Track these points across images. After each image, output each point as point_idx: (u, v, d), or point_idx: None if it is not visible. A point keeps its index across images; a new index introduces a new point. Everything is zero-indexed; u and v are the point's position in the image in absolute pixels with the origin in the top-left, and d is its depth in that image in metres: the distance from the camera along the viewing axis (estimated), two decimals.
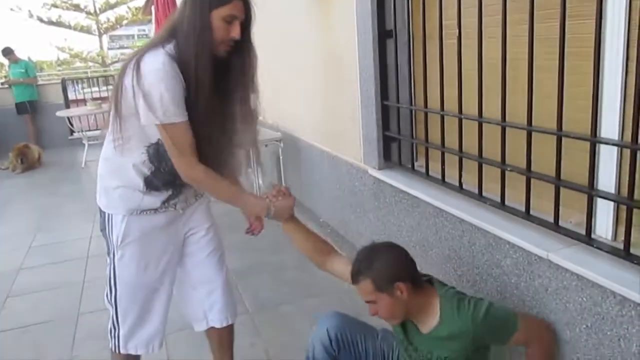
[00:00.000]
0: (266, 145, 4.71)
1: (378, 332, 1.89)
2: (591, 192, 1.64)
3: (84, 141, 7.34)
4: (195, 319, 2.00)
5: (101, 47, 26.34)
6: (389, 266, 1.61)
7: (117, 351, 1.82)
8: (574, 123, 1.69)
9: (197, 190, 1.83)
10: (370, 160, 2.93)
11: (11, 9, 31.80)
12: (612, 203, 1.63)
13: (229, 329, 2.03)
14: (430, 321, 1.65)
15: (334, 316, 1.85)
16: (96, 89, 9.85)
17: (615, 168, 1.61)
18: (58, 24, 23.84)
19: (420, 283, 1.66)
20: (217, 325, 1.98)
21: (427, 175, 2.49)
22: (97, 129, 7.84)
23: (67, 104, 8.95)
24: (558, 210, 1.76)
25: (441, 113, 2.32)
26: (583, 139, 1.64)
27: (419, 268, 1.71)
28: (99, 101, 7.88)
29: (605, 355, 1.56)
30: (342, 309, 1.94)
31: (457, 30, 2.12)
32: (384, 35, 2.68)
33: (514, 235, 1.84)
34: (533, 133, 1.82)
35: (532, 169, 1.85)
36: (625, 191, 1.53)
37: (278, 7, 4.12)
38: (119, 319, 1.79)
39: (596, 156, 1.62)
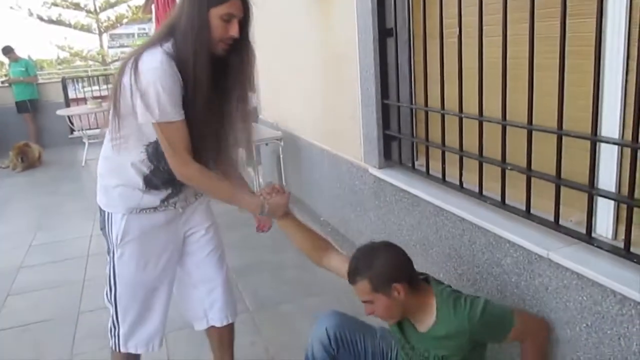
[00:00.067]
0: (267, 144, 4.71)
1: (377, 331, 1.89)
2: (591, 191, 1.64)
3: (84, 140, 7.35)
4: (196, 317, 2.00)
5: (101, 46, 26.30)
6: (387, 267, 1.60)
7: (117, 350, 1.82)
8: (575, 122, 1.69)
9: (197, 190, 1.83)
10: (371, 159, 2.93)
11: (11, 8, 31.72)
12: (612, 202, 1.63)
13: (229, 328, 2.03)
14: (427, 320, 1.65)
15: (332, 315, 1.84)
16: (96, 87, 9.86)
17: (616, 167, 1.61)
18: (58, 22, 23.80)
19: (417, 283, 1.66)
20: (218, 324, 1.98)
21: (427, 174, 2.49)
22: (97, 128, 7.86)
23: (68, 102, 8.95)
24: (558, 209, 1.76)
25: (441, 112, 2.31)
26: (583, 137, 1.64)
27: (419, 267, 1.71)
28: (99, 100, 7.87)
29: (605, 354, 1.56)
30: (342, 308, 1.94)
31: (458, 29, 2.11)
32: (384, 33, 2.68)
33: (514, 234, 1.84)
34: (533, 132, 1.82)
35: (533, 167, 1.85)
36: (625, 190, 1.53)
37: (278, 6, 4.12)
38: (119, 318, 1.79)
39: (596, 155, 1.62)
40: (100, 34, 25.13)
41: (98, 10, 24.13)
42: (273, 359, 2.40)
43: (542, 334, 1.73)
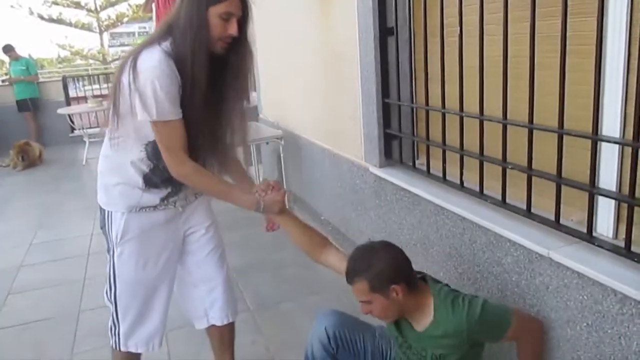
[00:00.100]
0: (267, 143, 4.71)
1: (376, 329, 1.89)
2: (592, 190, 1.63)
3: (85, 138, 7.35)
4: (196, 316, 2.00)
5: (102, 45, 26.28)
6: (386, 268, 1.60)
7: (117, 349, 1.83)
8: (575, 121, 1.69)
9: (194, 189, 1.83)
10: (371, 158, 2.93)
11: (12, 6, 31.69)
12: (613, 201, 1.63)
13: (230, 327, 2.03)
14: (425, 319, 1.65)
15: (332, 314, 1.84)
16: (97, 86, 9.83)
17: (617, 166, 1.60)
18: (59, 21, 23.79)
19: (414, 283, 1.66)
20: (218, 323, 1.98)
21: (428, 173, 2.48)
22: (97, 127, 7.85)
23: (68, 101, 8.95)
24: (559, 208, 1.76)
25: (442, 111, 2.31)
26: (584, 136, 1.64)
27: (420, 266, 1.71)
28: (100, 99, 7.86)
29: (605, 353, 1.56)
30: (343, 307, 1.94)
31: (459, 28, 2.11)
32: (385, 32, 2.68)
33: (514, 233, 1.84)
34: (534, 131, 1.81)
35: (533, 166, 1.85)
36: (626, 189, 1.53)
37: (278, 5, 4.12)
38: (119, 317, 1.79)
39: (597, 154, 1.62)
40: (100, 32, 25.11)
41: (99, 9, 24.11)
42: (274, 358, 2.40)
43: (539, 333, 1.73)
